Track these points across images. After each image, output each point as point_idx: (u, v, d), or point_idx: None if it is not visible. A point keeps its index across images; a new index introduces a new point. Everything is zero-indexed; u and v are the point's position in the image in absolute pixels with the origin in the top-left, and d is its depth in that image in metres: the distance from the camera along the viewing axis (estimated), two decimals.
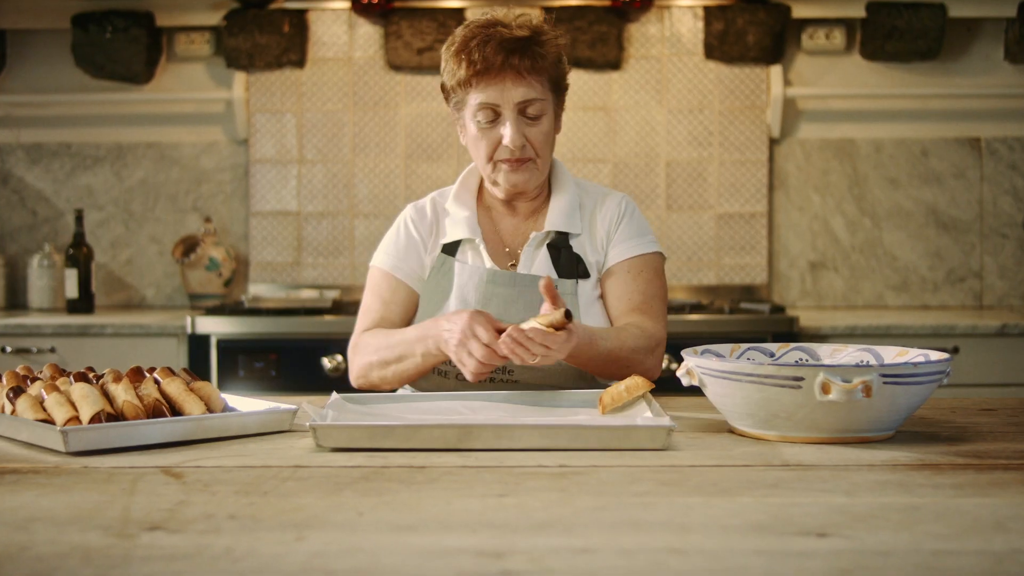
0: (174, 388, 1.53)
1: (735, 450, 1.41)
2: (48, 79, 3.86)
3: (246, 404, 1.62)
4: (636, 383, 1.60)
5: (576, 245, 1.96)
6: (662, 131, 3.77)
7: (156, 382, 1.55)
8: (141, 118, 3.86)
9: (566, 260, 1.94)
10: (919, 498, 1.16)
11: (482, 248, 1.95)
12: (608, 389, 1.63)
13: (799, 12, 3.69)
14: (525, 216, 2.01)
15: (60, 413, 1.44)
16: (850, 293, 3.79)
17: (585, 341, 1.73)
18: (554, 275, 1.93)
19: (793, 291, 3.80)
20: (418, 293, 1.98)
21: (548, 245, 1.95)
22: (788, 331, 3.16)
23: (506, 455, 1.38)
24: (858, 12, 3.67)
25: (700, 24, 3.74)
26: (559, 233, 1.96)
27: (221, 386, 3.18)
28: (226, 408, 1.59)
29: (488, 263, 1.94)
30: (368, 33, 3.79)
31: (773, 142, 3.79)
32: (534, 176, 1.93)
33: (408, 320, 1.99)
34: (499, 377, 1.88)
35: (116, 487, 1.21)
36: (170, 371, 1.59)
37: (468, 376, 1.71)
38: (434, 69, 3.73)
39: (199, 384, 1.57)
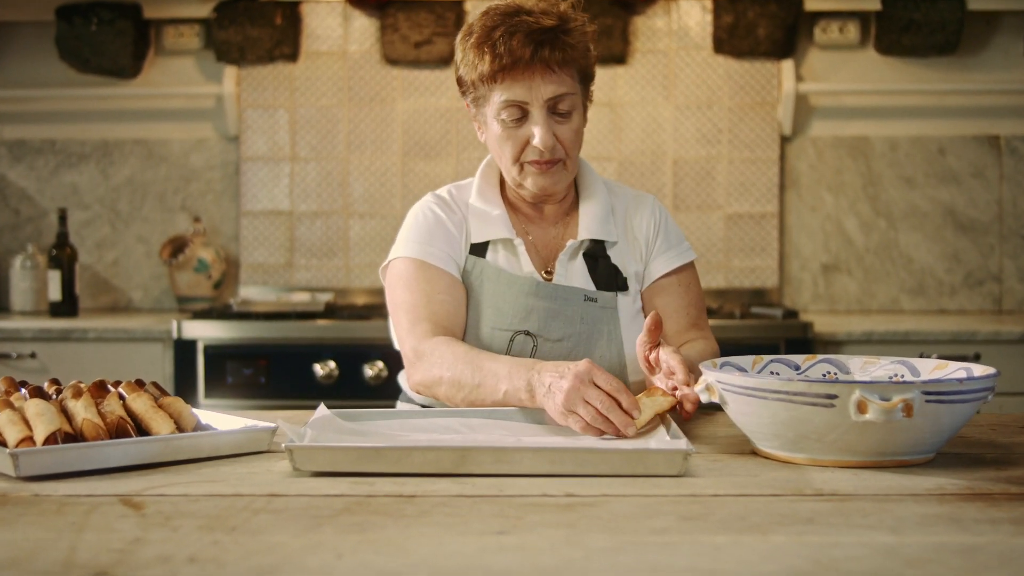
0: (140, 404, 1.39)
1: (761, 476, 1.27)
2: (31, 73, 3.72)
3: (222, 421, 1.48)
4: (656, 401, 1.45)
5: (614, 254, 1.82)
6: (669, 128, 3.63)
7: (121, 397, 1.41)
8: (128, 114, 3.72)
9: (604, 271, 1.80)
10: (977, 536, 1.01)
11: (522, 250, 1.79)
12: None
13: (812, 4, 3.54)
14: (554, 220, 1.85)
15: (12, 433, 1.30)
16: (864, 297, 3.65)
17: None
18: (591, 287, 1.78)
19: (805, 294, 3.66)
20: (461, 282, 1.77)
21: (584, 254, 1.81)
22: (802, 337, 3.02)
23: (506, 481, 1.23)
24: (873, 5, 3.52)
25: (709, 17, 3.60)
26: (594, 241, 1.81)
27: (208, 394, 3.04)
28: (198, 426, 1.45)
29: (528, 268, 1.78)
30: (363, 26, 3.65)
31: (784, 140, 3.65)
32: (563, 178, 1.77)
33: (461, 312, 1.75)
34: None
35: (65, 521, 1.07)
36: (138, 385, 1.45)
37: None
38: (432, 63, 3.60)
39: (168, 400, 1.43)
